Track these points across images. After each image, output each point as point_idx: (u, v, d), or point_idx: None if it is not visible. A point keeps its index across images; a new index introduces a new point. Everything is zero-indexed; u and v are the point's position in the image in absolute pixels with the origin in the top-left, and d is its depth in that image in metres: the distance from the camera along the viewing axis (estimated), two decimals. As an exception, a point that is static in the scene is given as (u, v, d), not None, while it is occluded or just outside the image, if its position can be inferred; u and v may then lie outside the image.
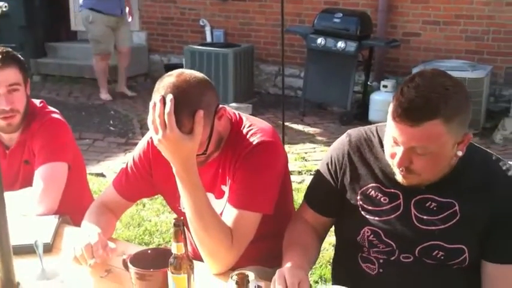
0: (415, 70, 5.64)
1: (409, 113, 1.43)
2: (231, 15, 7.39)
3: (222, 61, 6.51)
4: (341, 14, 5.94)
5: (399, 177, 1.56)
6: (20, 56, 2.23)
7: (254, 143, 1.73)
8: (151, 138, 1.88)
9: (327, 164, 1.74)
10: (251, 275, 1.40)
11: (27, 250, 1.69)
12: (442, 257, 1.56)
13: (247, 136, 1.76)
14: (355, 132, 1.74)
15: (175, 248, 1.43)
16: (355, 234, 1.67)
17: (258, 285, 1.41)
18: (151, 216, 3.76)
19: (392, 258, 1.63)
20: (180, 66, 6.72)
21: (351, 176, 1.69)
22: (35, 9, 7.97)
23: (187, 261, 1.44)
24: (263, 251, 1.84)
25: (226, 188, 1.79)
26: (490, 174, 1.58)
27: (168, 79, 1.63)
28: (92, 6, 6.59)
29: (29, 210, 2.04)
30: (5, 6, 1.42)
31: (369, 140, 1.70)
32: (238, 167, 1.74)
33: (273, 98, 6.96)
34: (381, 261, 1.65)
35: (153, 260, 1.55)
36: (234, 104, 6.36)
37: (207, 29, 7.48)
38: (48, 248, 1.79)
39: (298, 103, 6.38)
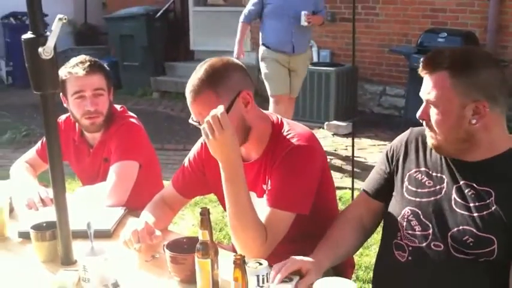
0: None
1: (424, 63, 1.64)
2: (337, 36, 7.48)
3: (324, 80, 6.61)
4: (445, 34, 5.83)
5: (428, 139, 1.70)
6: (105, 65, 2.52)
7: (290, 146, 1.83)
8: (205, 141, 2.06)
9: (387, 152, 1.88)
10: (264, 262, 1.50)
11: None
12: (471, 244, 1.59)
13: (286, 138, 1.87)
14: (417, 128, 1.84)
15: (201, 235, 1.57)
16: (397, 214, 1.75)
17: (267, 274, 1.50)
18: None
19: (424, 244, 1.67)
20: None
21: (404, 160, 1.80)
22: (156, 31, 8.57)
23: (212, 247, 1.57)
24: (301, 250, 1.91)
25: (266, 187, 1.89)
26: None
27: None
28: None
29: (101, 201, 2.28)
30: (65, 18, 1.62)
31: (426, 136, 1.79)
32: (275, 168, 1.84)
33: (375, 117, 6.92)
34: (410, 248, 1.70)
35: (187, 247, 1.71)
36: (334, 122, 6.42)
37: (314, 49, 7.62)
38: (109, 234, 2.01)
39: (401, 123, 6.29)
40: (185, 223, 4.10)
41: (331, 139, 6.16)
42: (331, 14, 7.47)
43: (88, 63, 2.40)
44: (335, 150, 5.73)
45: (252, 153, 1.94)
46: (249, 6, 5.42)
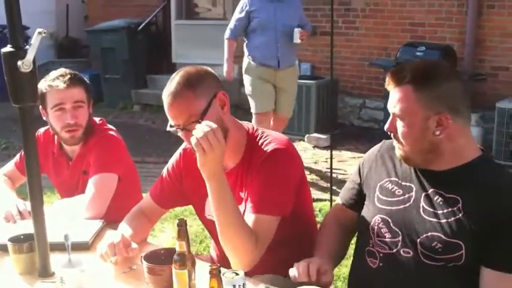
0: (499, 105, 5.49)
1: (389, 77, 1.69)
2: (318, 49, 7.56)
3: (305, 93, 6.67)
4: (424, 48, 5.92)
5: (397, 150, 1.76)
6: (86, 78, 2.53)
7: (268, 151, 1.88)
8: (183, 149, 2.08)
9: (359, 164, 1.94)
10: (241, 273, 1.52)
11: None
12: (440, 249, 1.63)
13: (262, 146, 1.91)
14: (390, 140, 1.88)
15: (178, 246, 1.59)
16: (368, 222, 1.80)
17: (244, 284, 1.52)
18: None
19: (394, 250, 1.72)
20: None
21: (375, 171, 1.87)
22: (137, 43, 8.59)
23: (189, 258, 1.59)
24: (279, 258, 1.94)
25: (244, 195, 1.94)
26: (501, 179, 1.66)
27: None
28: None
29: (79, 214, 2.28)
30: (44, 32, 1.64)
31: None
32: (255, 174, 1.88)
33: (356, 130, 6.99)
34: (381, 254, 1.75)
35: (164, 258, 1.73)
36: (315, 135, 6.48)
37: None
38: (87, 247, 2.01)
39: (381, 135, 6.35)
40: (165, 235, 4.10)
41: (311, 151, 6.20)
42: (312, 28, 7.55)
43: (68, 76, 2.42)
44: (315, 163, 5.77)
45: (229, 162, 1.97)
46: (234, 22, 5.22)
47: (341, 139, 6.48)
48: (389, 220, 1.75)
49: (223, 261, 2.10)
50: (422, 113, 1.65)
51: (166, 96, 1.84)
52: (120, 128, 2.66)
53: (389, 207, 1.77)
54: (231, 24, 5.25)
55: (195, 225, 4.21)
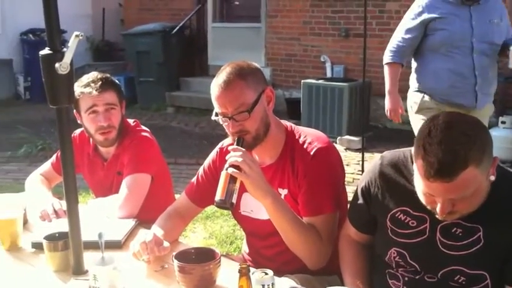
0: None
1: (442, 171, 1.44)
2: (351, 51, 7.53)
3: (337, 95, 6.66)
4: (459, 49, 5.79)
5: (440, 217, 1.56)
6: (117, 80, 2.58)
7: (314, 150, 1.91)
8: (219, 148, 2.12)
9: (362, 187, 1.83)
10: (270, 272, 1.54)
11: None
12: (464, 282, 1.58)
13: (304, 144, 1.95)
14: (389, 154, 1.79)
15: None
16: (383, 254, 1.75)
17: (272, 284, 1.53)
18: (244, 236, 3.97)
19: (418, 277, 1.67)
20: (299, 100, 6.98)
21: (382, 199, 1.76)
22: (172, 47, 8.69)
23: None
24: None
25: (283, 191, 1.97)
26: None
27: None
28: None
29: (113, 213, 2.33)
30: (81, 35, 1.68)
31: (402, 162, 1.73)
32: (301, 175, 1.92)
33: (388, 132, 6.94)
34: (406, 279, 1.70)
35: (195, 257, 1.76)
36: (347, 137, 6.45)
37: (328, 65, 7.68)
38: (119, 245, 2.05)
39: (413, 138, 6.29)
40: (196, 236, 4.14)
41: (343, 154, 6.17)
42: (345, 30, 7.53)
43: (100, 82, 2.46)
44: (347, 165, 5.74)
45: (266, 158, 2.00)
46: (399, 37, 3.54)
47: (373, 141, 6.44)
48: (406, 254, 1.69)
49: (254, 257, 2.14)
50: (486, 174, 1.50)
51: (217, 84, 1.87)
52: (153, 129, 2.70)
53: (403, 240, 1.69)
54: (394, 41, 3.59)
55: (226, 226, 4.25)
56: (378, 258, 1.81)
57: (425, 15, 3.38)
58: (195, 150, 6.45)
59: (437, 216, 1.56)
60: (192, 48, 9.22)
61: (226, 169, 1.77)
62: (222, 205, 1.76)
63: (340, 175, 2.00)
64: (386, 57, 3.60)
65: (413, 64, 3.58)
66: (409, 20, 3.47)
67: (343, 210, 1.99)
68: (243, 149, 1.82)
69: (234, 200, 1.76)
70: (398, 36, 3.54)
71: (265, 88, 1.93)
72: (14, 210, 2.10)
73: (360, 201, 1.83)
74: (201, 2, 9.25)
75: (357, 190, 1.87)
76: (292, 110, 7.25)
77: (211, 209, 4.05)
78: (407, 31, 3.47)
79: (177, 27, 8.73)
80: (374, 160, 1.85)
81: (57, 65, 1.66)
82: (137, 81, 8.88)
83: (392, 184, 1.73)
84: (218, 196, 1.75)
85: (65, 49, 1.69)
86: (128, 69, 9.47)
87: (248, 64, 1.94)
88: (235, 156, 1.78)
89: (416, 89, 3.53)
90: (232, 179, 1.76)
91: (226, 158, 1.81)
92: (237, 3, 9.22)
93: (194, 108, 8.44)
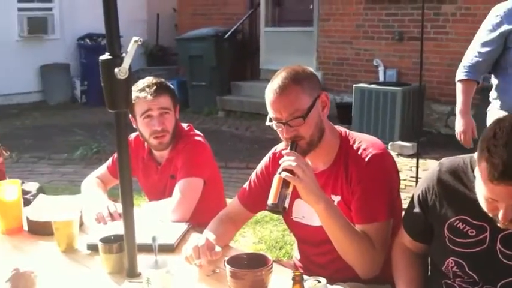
0: None
1: (507, 174, 1.39)
2: (405, 55, 7.41)
3: (390, 100, 6.55)
4: (518, 52, 5.60)
5: (501, 225, 1.51)
6: (171, 85, 2.61)
7: (368, 157, 1.88)
8: (272, 153, 2.11)
9: (419, 195, 1.79)
10: (323, 280, 1.52)
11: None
12: None
13: (358, 150, 1.92)
14: (448, 161, 1.74)
15: None
16: (440, 263, 1.70)
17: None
18: (294, 242, 3.94)
19: (476, 287, 1.62)
20: (351, 104, 6.91)
21: (439, 208, 1.71)
22: (224, 51, 8.76)
23: None
24: None
25: (336, 198, 1.94)
26: None
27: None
28: None
29: (166, 217, 2.35)
30: (140, 40, 1.71)
31: (462, 169, 1.69)
32: (355, 181, 1.89)
33: (442, 138, 6.78)
34: None
35: (247, 262, 1.75)
36: (399, 142, 6.34)
37: (380, 69, 7.58)
38: (172, 249, 2.07)
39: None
40: (245, 241, 4.14)
41: (395, 160, 6.06)
42: (399, 33, 7.42)
43: (154, 86, 2.49)
44: (399, 171, 5.63)
45: (320, 164, 1.98)
46: (474, 52, 3.23)
47: (427, 147, 6.31)
48: (464, 264, 1.64)
49: (306, 264, 2.12)
50: None
51: (272, 89, 1.86)
52: (204, 133, 2.72)
53: (462, 249, 1.65)
54: (469, 55, 3.27)
55: (275, 231, 4.25)
56: (434, 268, 1.77)
57: (505, 27, 3.07)
58: (246, 154, 6.47)
59: (498, 224, 1.51)
60: (243, 52, 9.28)
61: (280, 173, 1.76)
62: (274, 209, 1.75)
63: (396, 182, 1.97)
64: (460, 73, 3.28)
65: (494, 81, 3.26)
66: (486, 32, 3.14)
67: (397, 218, 1.95)
68: (297, 153, 1.80)
69: (286, 205, 1.75)
70: (473, 50, 3.22)
71: (321, 93, 1.91)
72: (71, 212, 2.15)
73: (416, 209, 1.78)
74: (253, 7, 9.30)
75: (413, 197, 1.82)
76: (342, 114, 7.18)
77: (260, 213, 4.03)
78: (484, 44, 3.15)
79: (230, 32, 8.80)
80: (432, 167, 1.80)
81: (116, 70, 1.69)
82: (189, 85, 8.99)
83: (451, 192, 1.68)
84: (270, 200, 1.74)
85: (123, 54, 1.71)
86: (181, 74, 9.60)
87: (303, 69, 1.93)
88: (288, 160, 1.76)
89: (499, 108, 3.20)
90: (285, 183, 1.74)
91: (280, 162, 1.80)
92: (289, 7, 9.21)
93: (245, 112, 8.48)
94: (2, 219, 2.24)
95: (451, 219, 1.67)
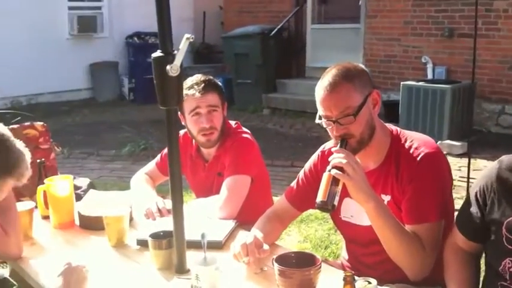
0: None
1: None
2: (455, 52, 7.25)
3: (439, 97, 6.42)
4: None
5: None
6: (219, 82, 2.62)
7: (421, 155, 1.85)
8: (321, 151, 2.09)
9: (476, 193, 1.74)
10: (373, 281, 1.49)
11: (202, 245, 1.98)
12: None
13: (410, 149, 1.88)
14: (507, 158, 1.69)
15: None
16: (496, 264, 1.64)
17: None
18: (340, 241, 3.91)
19: None
20: (398, 102, 6.80)
21: (498, 206, 1.66)
22: (270, 49, 8.76)
23: None
24: None
25: (386, 197, 1.91)
26: None
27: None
28: None
29: (213, 214, 2.36)
30: (192, 38, 1.72)
31: None
32: (406, 180, 1.85)
33: (493, 137, 6.61)
34: None
35: (295, 261, 1.74)
36: (448, 141, 6.20)
37: (429, 66, 7.44)
38: (220, 246, 2.07)
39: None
40: (291, 239, 4.13)
41: (445, 159, 5.94)
42: (448, 30, 7.26)
43: (203, 84, 2.51)
44: (449, 171, 5.52)
45: (370, 163, 1.95)
46: None
47: (477, 147, 6.13)
48: None
49: (354, 264, 2.10)
50: None
51: (323, 86, 1.85)
52: (250, 131, 2.72)
53: None
54: None
55: (320, 230, 4.22)
56: (489, 269, 1.72)
57: None
58: (290, 152, 6.46)
59: None
60: (289, 50, 9.25)
61: (329, 171, 1.74)
62: (323, 207, 1.73)
63: (448, 182, 1.92)
64: None
65: None
66: None
67: (449, 219, 1.90)
68: (347, 151, 1.78)
69: (335, 203, 1.73)
70: None
71: (372, 91, 1.88)
72: (122, 208, 2.19)
73: (473, 207, 1.73)
74: (299, 4, 9.26)
75: (468, 196, 1.78)
76: (389, 112, 7.06)
77: (306, 212, 4.03)
78: None
79: (275, 29, 8.79)
80: (490, 164, 1.75)
81: (168, 67, 1.70)
82: (235, 83, 9.02)
83: (511, 189, 1.63)
84: (320, 198, 1.73)
85: (175, 52, 1.73)
86: (226, 71, 9.65)
87: (355, 66, 1.91)
88: (339, 157, 1.75)
89: None
90: (334, 181, 1.73)
91: (329, 159, 1.79)
92: (335, 4, 9.14)
93: (289, 110, 8.46)
94: (54, 213, 2.30)
95: (510, 218, 1.62)
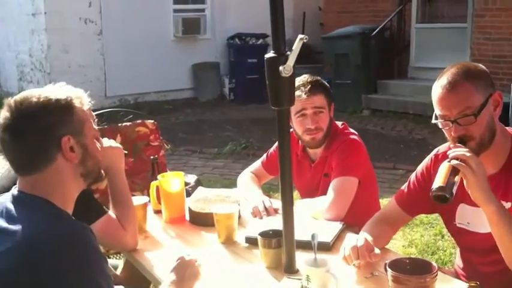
0: None
1: None
2: None
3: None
4: None
5: None
6: (326, 83, 2.60)
7: None
8: (434, 154, 2.03)
9: None
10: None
11: (310, 246, 1.98)
12: None
13: None
14: None
15: None
16: None
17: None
18: (448, 247, 3.77)
19: None
20: (508, 105, 6.45)
21: None
22: (370, 49, 8.61)
23: None
24: None
25: (506, 204, 1.80)
26: None
27: None
28: None
29: (320, 215, 2.34)
30: (306, 38, 1.72)
31: None
32: None
33: None
34: None
35: (410, 267, 1.68)
36: None
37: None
38: (328, 247, 2.05)
39: None
40: (395, 243, 4.02)
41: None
42: None
43: (309, 85, 2.51)
44: None
45: (488, 167, 1.84)
46: None
47: None
48: None
49: (470, 273, 2.01)
50: None
51: (441, 85, 1.79)
52: (350, 131, 2.67)
53: None
54: None
55: (426, 235, 4.09)
56: None
57: None
58: (392, 154, 6.29)
59: None
60: (391, 50, 9.05)
61: (449, 161, 1.68)
62: (441, 193, 1.65)
63: None
64: None
65: None
66: None
67: None
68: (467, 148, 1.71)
69: (454, 191, 1.65)
70: None
71: (493, 92, 1.80)
72: (231, 205, 2.22)
73: None
74: (403, 3, 9.03)
75: None
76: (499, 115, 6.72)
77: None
78: None
79: (377, 29, 8.62)
80: None
81: (281, 67, 1.71)
82: (334, 84, 8.93)
83: None
84: (438, 183, 1.65)
85: (288, 52, 1.73)
86: (325, 72, 9.57)
87: (475, 65, 1.84)
88: (462, 150, 1.68)
89: None
90: (453, 172, 1.65)
91: (448, 153, 1.72)
92: (441, 3, 8.83)
93: (390, 111, 8.27)
94: (166, 208, 2.37)
95: None
